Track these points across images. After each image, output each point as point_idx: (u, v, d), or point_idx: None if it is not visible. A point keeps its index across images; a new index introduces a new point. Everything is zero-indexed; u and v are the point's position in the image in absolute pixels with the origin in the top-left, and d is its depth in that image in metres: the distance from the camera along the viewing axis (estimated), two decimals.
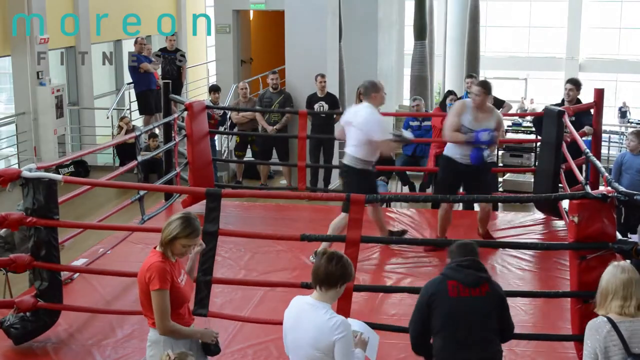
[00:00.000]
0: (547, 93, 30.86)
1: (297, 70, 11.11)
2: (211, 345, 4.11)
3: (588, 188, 6.79)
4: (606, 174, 5.63)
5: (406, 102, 17.71)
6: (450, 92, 10.26)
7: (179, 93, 12.79)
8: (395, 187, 10.46)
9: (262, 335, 5.42)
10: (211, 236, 5.10)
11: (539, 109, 10.71)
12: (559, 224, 7.99)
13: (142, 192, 7.58)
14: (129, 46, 15.17)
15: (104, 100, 16.48)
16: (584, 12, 28.74)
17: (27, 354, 5.24)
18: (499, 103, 9.54)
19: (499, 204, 9.21)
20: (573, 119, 8.10)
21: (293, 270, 6.70)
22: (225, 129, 11.30)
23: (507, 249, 7.01)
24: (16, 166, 11.80)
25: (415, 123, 10.24)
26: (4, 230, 5.89)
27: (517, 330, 5.48)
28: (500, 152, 12.57)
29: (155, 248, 4.03)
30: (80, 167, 12.67)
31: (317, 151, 10.49)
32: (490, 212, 7.48)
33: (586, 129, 8.18)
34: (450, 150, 7.03)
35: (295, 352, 3.65)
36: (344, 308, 5.00)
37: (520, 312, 5.80)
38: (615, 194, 4.81)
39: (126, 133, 11.36)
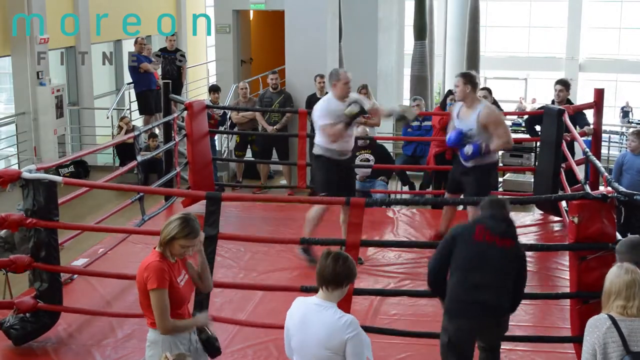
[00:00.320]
0: (547, 93, 30.95)
1: (297, 70, 11.11)
2: (212, 341, 4.10)
3: (588, 188, 6.79)
4: (606, 174, 5.63)
5: (406, 102, 17.69)
6: (450, 92, 10.25)
7: (179, 93, 12.79)
8: (395, 186, 10.46)
9: (262, 335, 5.42)
10: (211, 240, 5.10)
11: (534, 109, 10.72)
12: (559, 224, 7.99)
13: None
14: (129, 46, 15.17)
15: (104, 100, 16.48)
16: (584, 12, 28.73)
17: (27, 354, 5.24)
18: None
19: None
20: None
21: (293, 271, 6.70)
22: (225, 129, 11.30)
23: None
24: (16, 166, 11.81)
25: (416, 123, 10.25)
26: (4, 230, 5.89)
27: (517, 331, 5.51)
28: (500, 152, 12.58)
29: (155, 248, 4.03)
30: (80, 167, 12.67)
31: None
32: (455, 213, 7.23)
33: (586, 129, 8.18)
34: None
35: (302, 353, 3.67)
36: (343, 309, 4.97)
37: (521, 312, 5.79)
38: (615, 194, 4.82)
39: (126, 133, 11.35)
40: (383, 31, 16.52)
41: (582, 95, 27.35)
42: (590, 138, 8.28)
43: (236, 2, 15.77)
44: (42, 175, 5.21)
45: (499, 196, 4.67)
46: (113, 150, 12.78)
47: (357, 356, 3.54)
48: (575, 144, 8.28)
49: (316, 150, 6.81)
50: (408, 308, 5.86)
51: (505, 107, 28.17)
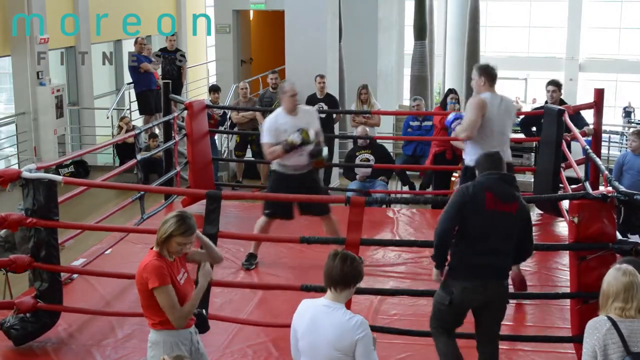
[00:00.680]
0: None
1: (297, 70, 11.11)
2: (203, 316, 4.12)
3: (588, 187, 6.78)
4: (606, 173, 5.62)
5: (406, 102, 17.69)
6: (450, 91, 10.25)
7: (179, 93, 12.80)
8: (395, 186, 10.46)
9: (262, 335, 5.42)
10: (211, 238, 5.08)
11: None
12: (558, 223, 7.98)
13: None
14: (129, 46, 15.18)
15: (104, 100, 16.48)
16: (584, 12, 28.74)
17: (27, 354, 5.24)
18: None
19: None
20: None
21: (293, 270, 6.70)
22: (225, 129, 11.30)
23: None
24: (16, 166, 11.81)
25: (416, 123, 10.26)
26: (4, 230, 5.89)
27: (517, 331, 5.51)
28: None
29: (151, 248, 4.02)
30: (80, 167, 12.68)
31: None
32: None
33: (586, 129, 8.17)
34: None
35: (311, 355, 3.68)
36: None
37: (521, 312, 5.81)
38: (616, 193, 4.81)
39: (126, 133, 11.35)
40: (383, 31, 16.53)
41: (582, 95, 27.42)
42: (590, 138, 8.27)
43: (236, 2, 15.77)
44: (42, 174, 5.21)
45: (492, 151, 4.79)
46: (113, 150, 12.79)
47: (366, 356, 3.56)
48: (573, 144, 8.28)
49: (271, 165, 6.80)
50: (408, 308, 5.86)
51: None
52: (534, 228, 7.89)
